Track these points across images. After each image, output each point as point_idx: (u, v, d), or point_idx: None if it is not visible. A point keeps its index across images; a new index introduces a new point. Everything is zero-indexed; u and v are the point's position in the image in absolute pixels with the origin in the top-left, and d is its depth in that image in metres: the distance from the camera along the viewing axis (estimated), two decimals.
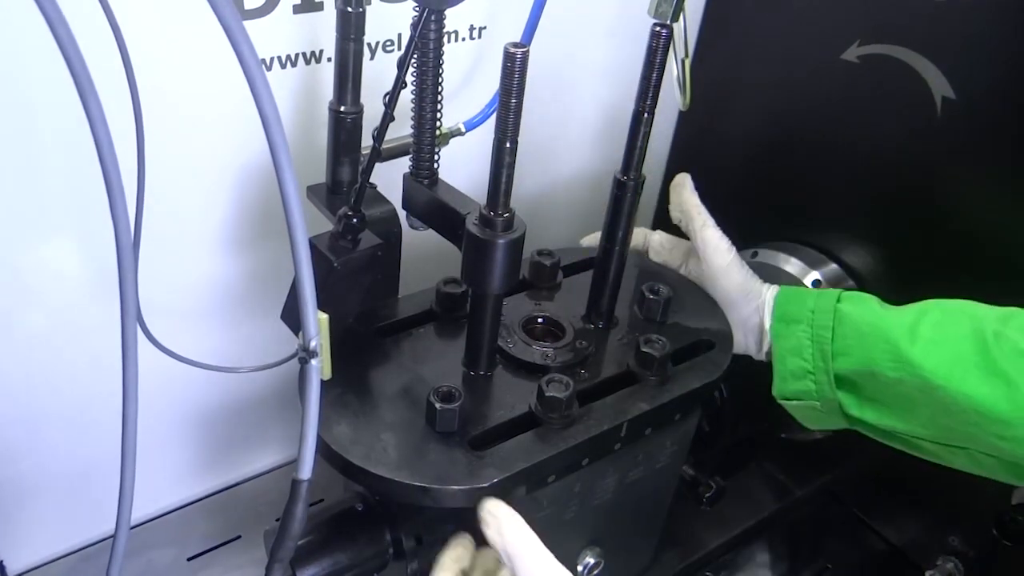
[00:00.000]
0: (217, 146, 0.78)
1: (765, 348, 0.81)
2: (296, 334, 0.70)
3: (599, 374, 0.74)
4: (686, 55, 0.77)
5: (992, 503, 0.91)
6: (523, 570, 0.59)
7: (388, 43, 0.83)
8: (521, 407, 0.69)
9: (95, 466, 0.88)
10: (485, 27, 0.89)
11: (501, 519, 0.61)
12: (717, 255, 0.82)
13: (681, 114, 1.17)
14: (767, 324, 0.80)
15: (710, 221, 0.83)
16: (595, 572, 0.81)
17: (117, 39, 0.54)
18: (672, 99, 1.15)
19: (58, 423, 0.84)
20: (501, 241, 0.63)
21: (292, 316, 0.71)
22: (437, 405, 0.64)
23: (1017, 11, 0.79)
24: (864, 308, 0.74)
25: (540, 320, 0.79)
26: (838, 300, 0.75)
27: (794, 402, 0.77)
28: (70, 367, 0.80)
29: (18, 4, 0.61)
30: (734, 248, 0.84)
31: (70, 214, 0.73)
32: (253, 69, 0.35)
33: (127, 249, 0.36)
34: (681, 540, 0.98)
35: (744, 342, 0.82)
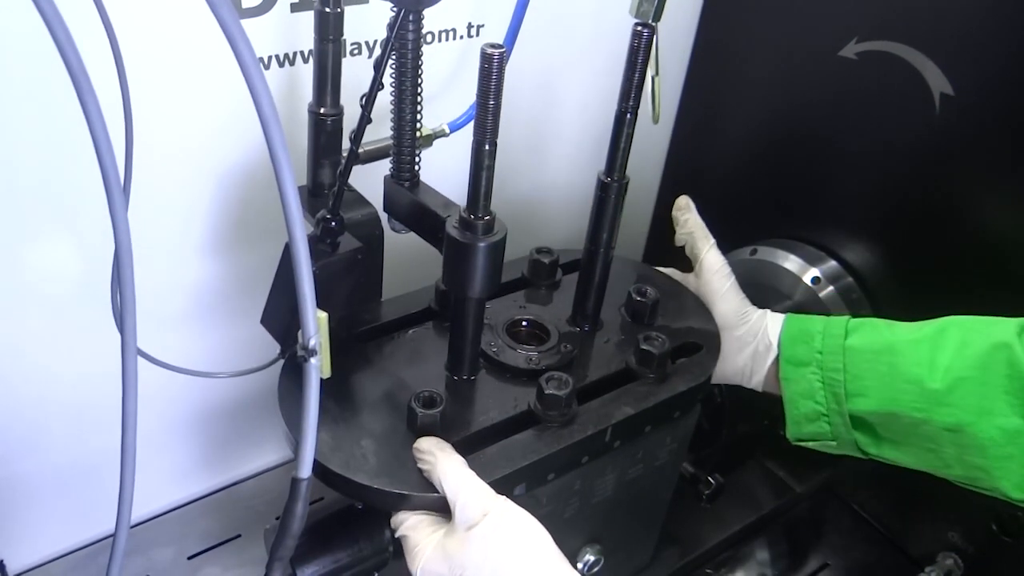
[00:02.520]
0: (198, 151, 0.77)
1: (761, 374, 0.80)
2: (276, 338, 0.70)
3: (585, 378, 0.74)
4: (656, 72, 0.76)
5: (991, 499, 0.91)
6: (454, 494, 0.59)
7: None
8: (504, 411, 0.69)
9: (95, 465, 0.88)
10: (483, 24, 0.89)
11: (434, 450, 0.62)
12: (718, 278, 0.83)
13: (679, 111, 1.17)
14: (768, 345, 0.78)
15: (715, 244, 0.84)
16: (595, 569, 0.81)
17: (112, 43, 0.54)
18: (670, 96, 1.16)
19: (58, 423, 0.84)
20: (482, 244, 0.62)
21: (272, 320, 0.71)
22: (418, 410, 0.64)
23: (1015, 7, 0.78)
24: (875, 339, 0.71)
25: (524, 323, 0.79)
26: (845, 335, 0.73)
27: (809, 442, 0.76)
28: (70, 367, 0.80)
29: (17, 3, 0.61)
30: (732, 274, 0.84)
31: (70, 213, 0.73)
32: (251, 67, 0.35)
33: (126, 250, 0.36)
34: (681, 537, 0.98)
35: (739, 367, 0.81)
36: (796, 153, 1.04)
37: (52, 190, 0.71)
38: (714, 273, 0.83)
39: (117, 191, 0.34)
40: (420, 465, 0.62)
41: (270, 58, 0.76)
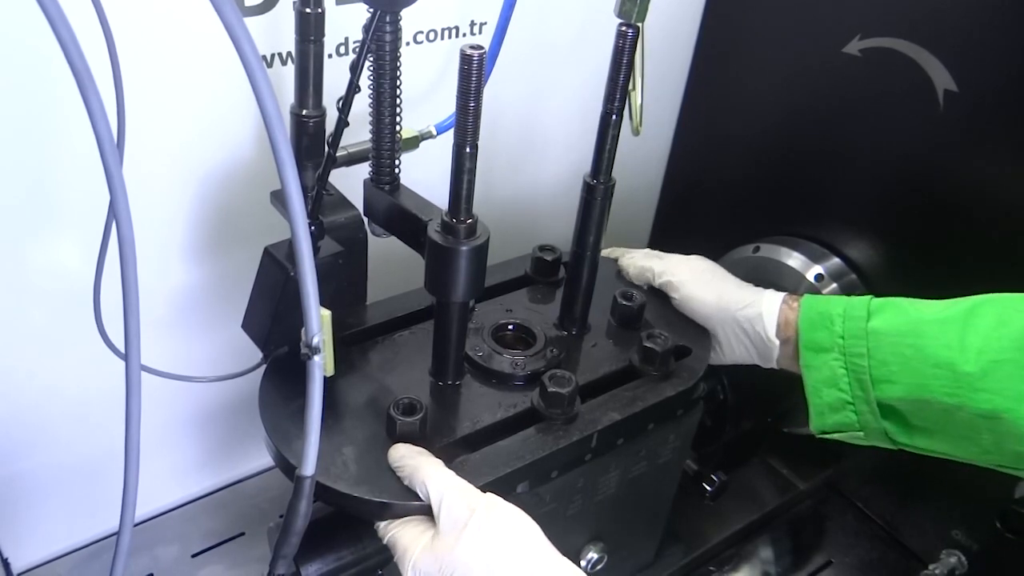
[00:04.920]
0: (178, 154, 0.77)
1: (773, 358, 0.76)
2: (256, 343, 0.70)
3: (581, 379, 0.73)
4: (633, 87, 0.75)
5: (995, 497, 0.91)
6: (439, 496, 0.58)
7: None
8: (488, 417, 0.68)
9: (99, 464, 0.88)
10: (486, 22, 0.89)
11: (412, 456, 0.61)
12: (684, 270, 0.81)
13: (683, 109, 1.17)
14: (764, 334, 0.75)
15: (657, 266, 0.83)
16: (598, 567, 0.81)
17: (109, 46, 0.54)
18: (672, 94, 1.16)
19: (62, 421, 0.84)
20: (464, 248, 0.62)
21: (252, 325, 0.70)
22: (397, 418, 0.63)
23: (1019, 3, 0.78)
24: (900, 320, 0.66)
25: (510, 327, 0.78)
26: (868, 317, 0.68)
27: (835, 434, 0.72)
28: (73, 365, 0.80)
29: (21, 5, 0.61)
30: (704, 260, 0.82)
31: (73, 212, 0.73)
32: (254, 65, 0.35)
33: (129, 245, 0.36)
34: (684, 535, 0.98)
35: (746, 353, 0.78)
36: (799, 150, 1.04)
37: (54, 190, 0.71)
38: (679, 285, 0.81)
39: (121, 190, 0.34)
40: (398, 473, 0.61)
41: (273, 56, 0.76)
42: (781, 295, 0.77)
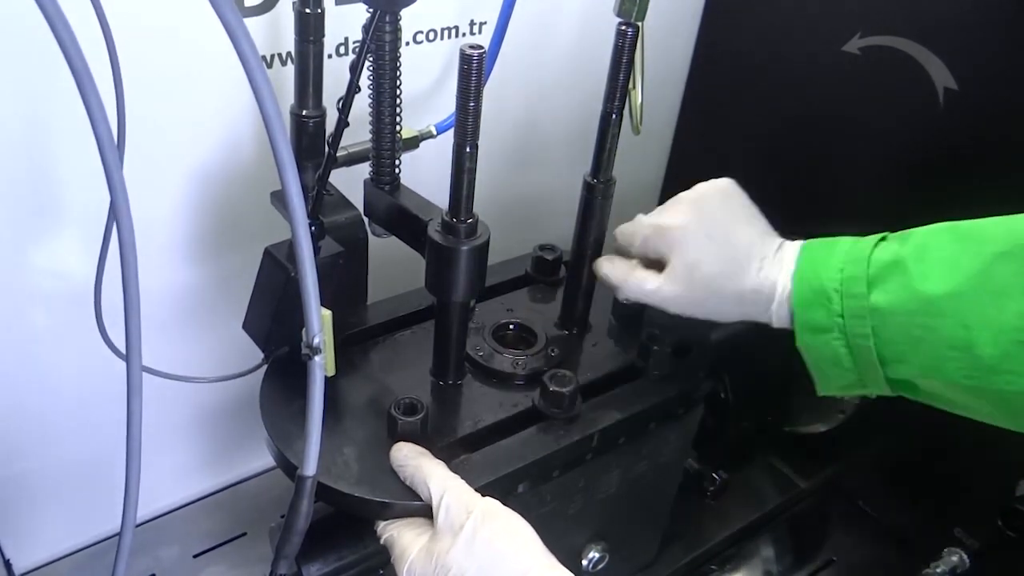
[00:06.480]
0: (177, 154, 0.77)
1: (779, 318, 0.66)
2: (257, 343, 0.70)
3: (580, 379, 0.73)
4: (633, 86, 0.75)
5: (996, 494, 0.91)
6: (438, 497, 0.58)
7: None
8: (490, 417, 0.68)
9: (100, 465, 0.87)
10: (486, 22, 0.89)
11: (414, 456, 0.61)
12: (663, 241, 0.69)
13: (683, 109, 1.17)
14: (782, 322, 0.66)
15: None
16: (600, 566, 0.81)
17: (108, 46, 0.54)
18: (672, 93, 1.16)
19: (63, 422, 0.84)
20: (464, 248, 0.62)
21: (253, 325, 0.70)
22: (398, 418, 0.63)
23: (1018, 1, 0.78)
24: (905, 296, 0.58)
25: (511, 327, 0.78)
26: (868, 290, 0.60)
27: (844, 393, 0.66)
28: (75, 365, 0.80)
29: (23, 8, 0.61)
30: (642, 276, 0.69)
31: (74, 213, 0.73)
32: (253, 65, 0.35)
33: (129, 246, 0.36)
34: (686, 534, 0.98)
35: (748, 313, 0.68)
36: (799, 149, 1.04)
37: (54, 191, 0.71)
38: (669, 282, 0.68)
39: (121, 191, 0.34)
40: (400, 473, 0.61)
41: (273, 56, 0.76)
42: (790, 270, 0.67)
